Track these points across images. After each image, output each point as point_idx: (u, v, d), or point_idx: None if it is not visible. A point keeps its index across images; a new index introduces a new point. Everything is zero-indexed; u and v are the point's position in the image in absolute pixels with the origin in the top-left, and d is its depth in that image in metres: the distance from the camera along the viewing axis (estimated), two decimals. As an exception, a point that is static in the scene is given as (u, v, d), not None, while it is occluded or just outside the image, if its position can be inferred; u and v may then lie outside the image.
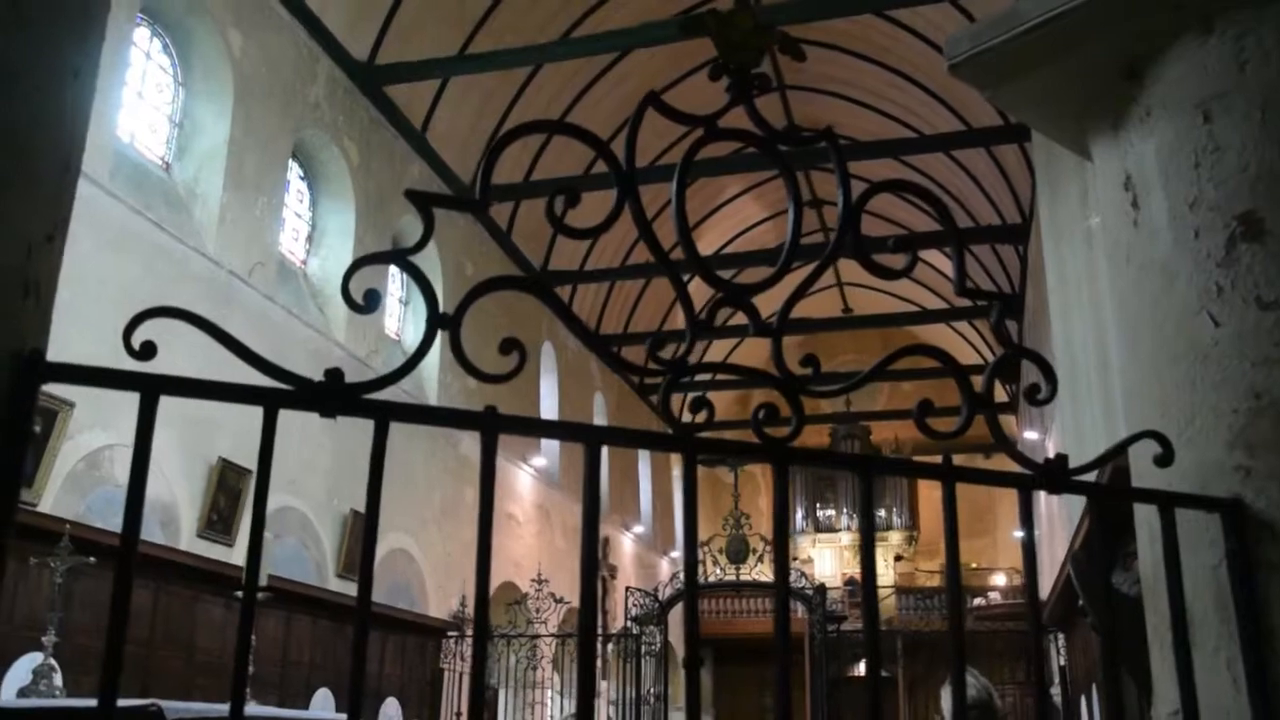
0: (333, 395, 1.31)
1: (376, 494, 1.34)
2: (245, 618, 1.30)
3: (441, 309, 1.38)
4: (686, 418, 1.56)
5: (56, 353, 1.32)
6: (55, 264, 1.34)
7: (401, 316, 15.27)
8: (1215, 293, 1.82)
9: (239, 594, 3.99)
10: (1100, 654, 1.83)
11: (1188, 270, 1.87)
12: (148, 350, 1.27)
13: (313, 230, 13.40)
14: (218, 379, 1.36)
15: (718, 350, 24.21)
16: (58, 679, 4.78)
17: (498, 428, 1.35)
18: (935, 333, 25.37)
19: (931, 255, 19.47)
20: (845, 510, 30.20)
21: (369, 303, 1.34)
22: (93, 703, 1.40)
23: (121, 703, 3.00)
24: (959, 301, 21.70)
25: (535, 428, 1.47)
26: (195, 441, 10.02)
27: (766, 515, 28.08)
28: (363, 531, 1.34)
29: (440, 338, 1.36)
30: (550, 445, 19.47)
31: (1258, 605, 1.70)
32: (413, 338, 15.03)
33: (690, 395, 1.53)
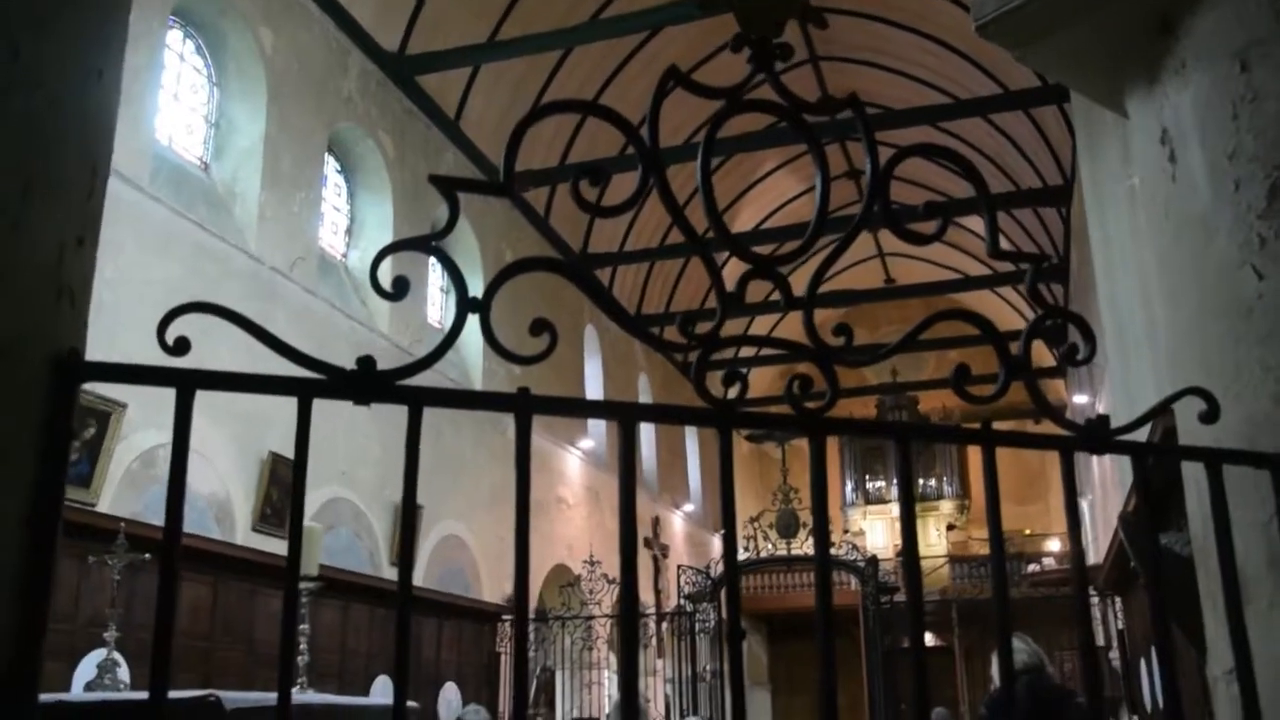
0: (366, 383, 1.32)
1: (413, 479, 1.34)
2: (290, 603, 1.31)
3: (482, 294, 1.38)
4: (730, 397, 1.56)
5: (105, 354, 1.34)
6: (89, 266, 1.36)
7: (444, 305, 15.35)
8: (1258, 245, 1.78)
9: (301, 584, 4.04)
10: (1151, 615, 1.79)
11: (1228, 223, 1.83)
12: (182, 346, 1.28)
13: (351, 223, 13.49)
14: (260, 373, 1.37)
15: (761, 328, 24.14)
16: (122, 673, 4.87)
17: (531, 409, 1.35)
18: (980, 299, 25.12)
19: (973, 221, 19.22)
20: (895, 481, 30.03)
21: (398, 290, 1.35)
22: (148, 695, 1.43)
23: (182, 694, 3.05)
24: (1003, 267, 21.50)
25: (570, 408, 1.47)
26: (246, 437, 10.15)
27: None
28: (401, 513, 1.35)
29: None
30: (597, 427, 19.54)
31: (1311, 560, 1.67)
32: (455, 326, 15.07)
33: (725, 375, 1.53)
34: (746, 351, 22.16)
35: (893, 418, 29.61)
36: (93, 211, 1.35)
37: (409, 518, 1.31)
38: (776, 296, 1.55)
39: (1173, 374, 2.06)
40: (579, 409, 1.48)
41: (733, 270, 1.52)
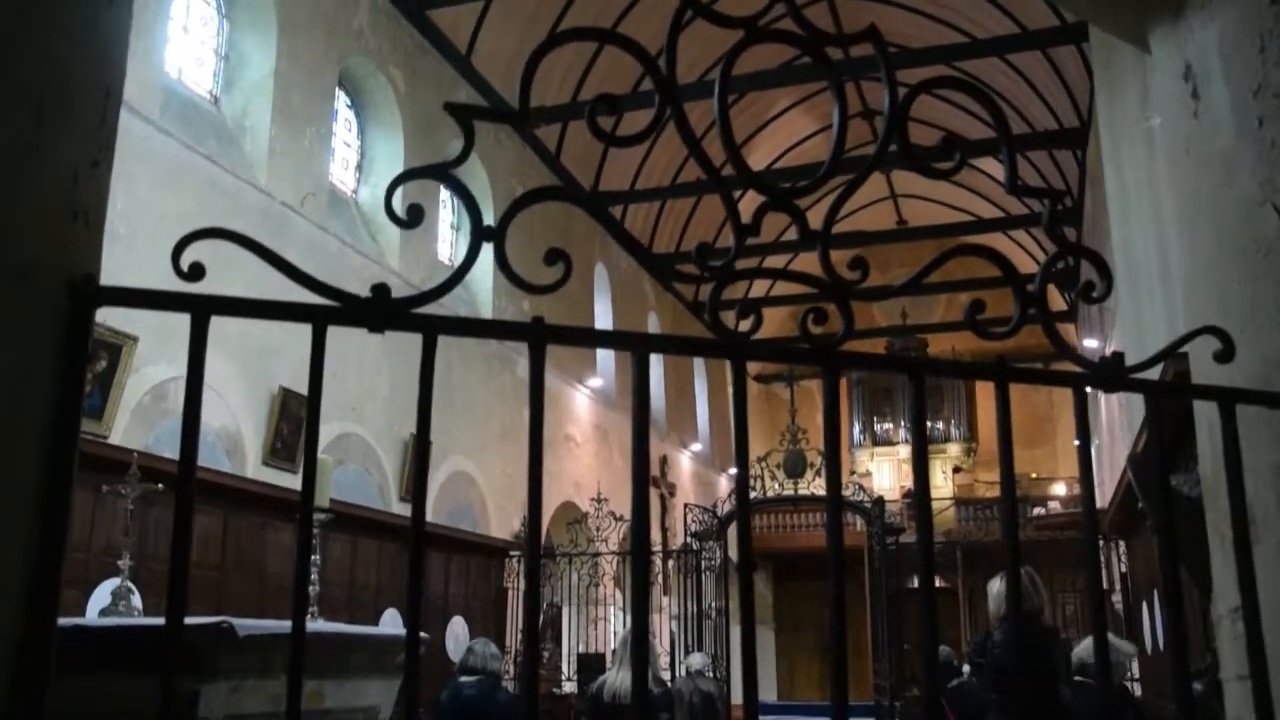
0: (380, 310, 1.31)
1: (427, 410, 1.35)
2: (304, 529, 1.32)
3: (496, 223, 1.37)
4: (740, 336, 1.55)
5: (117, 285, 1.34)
6: (103, 190, 1.35)
7: (454, 241, 15.31)
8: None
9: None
10: (1160, 555, 1.81)
11: (1250, 161, 1.80)
12: (196, 271, 1.28)
13: (362, 159, 13.43)
14: (275, 299, 1.37)
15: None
16: (136, 600, 4.94)
17: (545, 338, 1.35)
18: (992, 242, 24.96)
19: (987, 163, 19.12)
20: (903, 423, 30.05)
21: (412, 218, 1.34)
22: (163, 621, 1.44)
23: (195, 620, 3.09)
24: (1016, 209, 21.34)
25: (581, 337, 1.47)
26: (256, 371, 10.19)
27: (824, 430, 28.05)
28: (413, 446, 1.36)
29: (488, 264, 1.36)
30: (606, 366, 19.58)
31: (1322, 501, 1.67)
32: (465, 263, 15.04)
33: (739, 308, 1.52)
34: (758, 292, 22.14)
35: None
36: (106, 136, 1.34)
37: (423, 447, 1.32)
38: (790, 236, 1.53)
39: (1188, 314, 2.05)
40: (591, 339, 1.48)
41: (747, 207, 1.51)
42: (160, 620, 3.33)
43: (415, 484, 1.37)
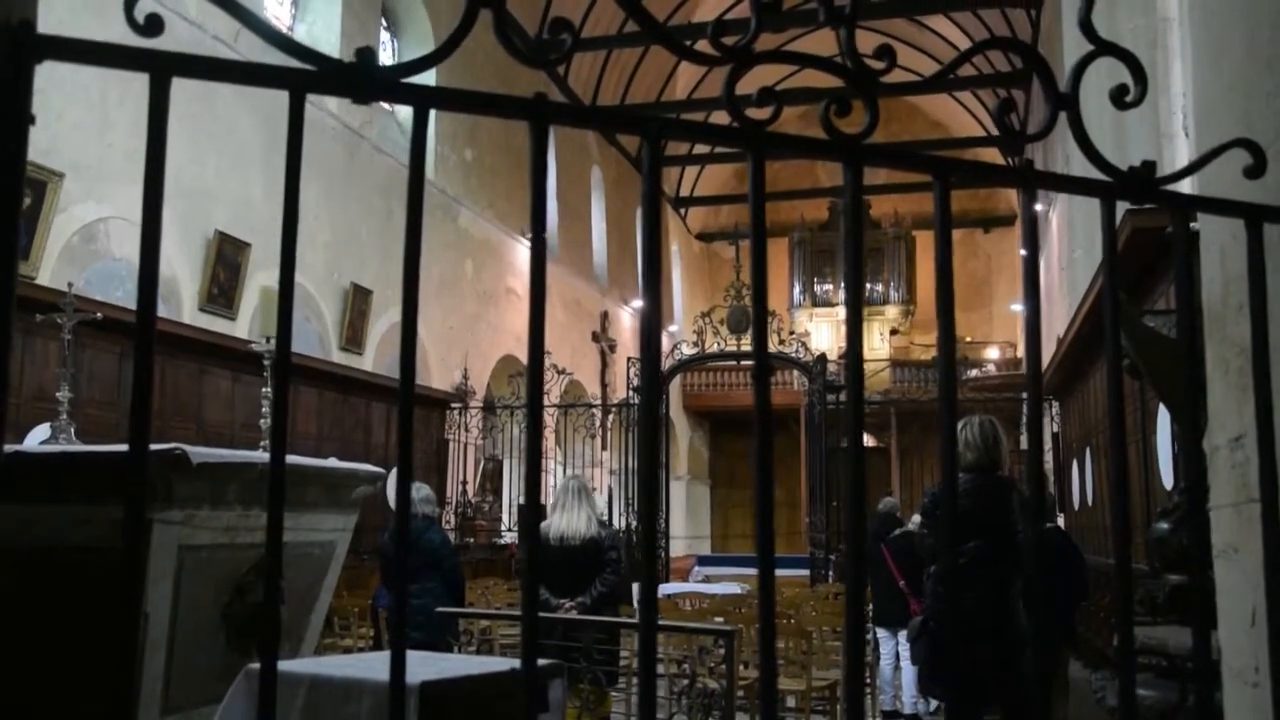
0: (366, 77, 1.16)
1: (419, 190, 1.21)
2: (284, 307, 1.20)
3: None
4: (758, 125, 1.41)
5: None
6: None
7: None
8: (1322, -11, 1.65)
9: (264, 349, 3.95)
10: (1184, 378, 1.72)
11: (1293, -36, 1.69)
12: (154, 24, 1.12)
13: (297, -6, 12.83)
14: (244, 60, 1.21)
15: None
16: (74, 433, 4.79)
17: (548, 116, 1.21)
18: (936, 104, 24.73)
19: (937, 21, 18.83)
20: (844, 284, 30.12)
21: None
22: (120, 448, 1.34)
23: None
24: (964, 72, 21.11)
25: (591, 118, 1.34)
26: (191, 215, 9.85)
27: (769, 289, 28.11)
28: (404, 258, 1.22)
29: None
30: (549, 219, 19.31)
31: (1342, 324, 1.60)
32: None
33: (757, 95, 1.39)
34: (772, 63, 21.72)
35: (844, 219, 29.61)
36: None
37: (411, 256, 1.19)
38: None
39: (1201, 132, 1.96)
40: (601, 119, 1.34)
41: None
42: (107, 447, 3.22)
43: (406, 286, 1.24)
